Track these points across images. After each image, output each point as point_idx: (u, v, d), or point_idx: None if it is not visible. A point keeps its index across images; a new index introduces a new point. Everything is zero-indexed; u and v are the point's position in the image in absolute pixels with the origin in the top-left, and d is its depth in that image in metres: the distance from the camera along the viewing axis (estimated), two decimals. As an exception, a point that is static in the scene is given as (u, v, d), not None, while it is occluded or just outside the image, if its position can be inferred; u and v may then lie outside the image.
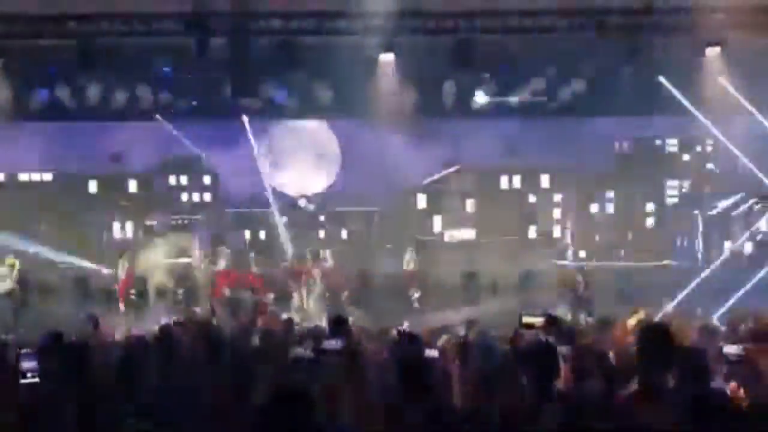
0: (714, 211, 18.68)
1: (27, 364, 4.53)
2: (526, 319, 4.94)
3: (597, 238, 19.39)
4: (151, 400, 4.95)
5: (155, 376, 5.75)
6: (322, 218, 19.39)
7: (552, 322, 4.91)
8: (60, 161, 18.13)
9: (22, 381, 4.40)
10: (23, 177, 18.75)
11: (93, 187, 19.55)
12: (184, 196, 19.52)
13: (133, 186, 19.60)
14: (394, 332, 8.95)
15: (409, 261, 16.95)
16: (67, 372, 5.01)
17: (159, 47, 15.23)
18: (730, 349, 6.06)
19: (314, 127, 19.29)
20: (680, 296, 15.63)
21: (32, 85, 16.31)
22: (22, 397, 4.40)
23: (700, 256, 18.70)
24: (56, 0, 13.15)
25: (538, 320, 4.89)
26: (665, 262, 18.26)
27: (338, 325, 7.73)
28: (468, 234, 19.62)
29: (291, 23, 14.20)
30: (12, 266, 14.92)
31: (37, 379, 4.53)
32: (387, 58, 14.95)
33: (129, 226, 19.40)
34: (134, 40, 14.54)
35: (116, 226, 19.28)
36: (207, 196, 19.47)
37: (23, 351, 4.74)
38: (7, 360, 6.21)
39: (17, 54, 14.72)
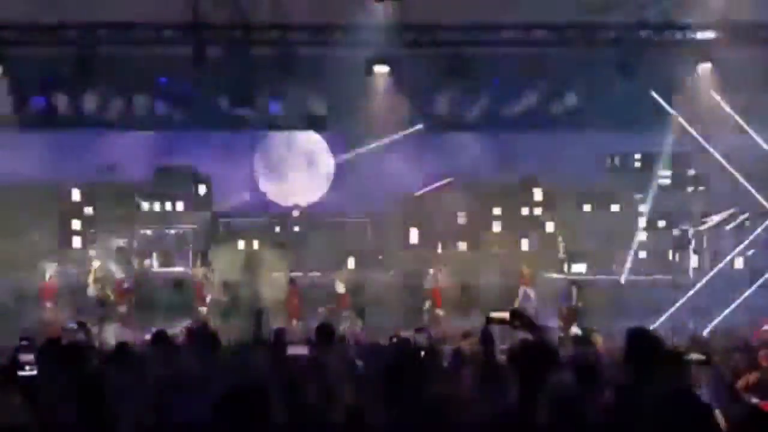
0: (705, 226, 18.77)
1: (24, 357, 4.60)
2: (492, 315, 5.01)
3: (589, 251, 19.43)
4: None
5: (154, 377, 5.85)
6: (313, 229, 19.41)
7: (516, 315, 4.97)
8: (55, 170, 18.12)
9: (20, 373, 4.46)
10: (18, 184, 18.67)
11: (83, 195, 19.49)
12: (179, 206, 19.49)
13: (127, 195, 19.58)
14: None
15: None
16: (65, 372, 5.10)
17: (157, 57, 15.34)
18: (693, 356, 6.22)
19: (308, 137, 19.38)
20: (671, 310, 15.76)
21: (30, 93, 16.43)
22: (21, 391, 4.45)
23: (691, 270, 18.78)
24: (55, 9, 13.24)
25: (503, 314, 4.96)
26: (657, 276, 18.34)
27: (326, 334, 7.83)
28: (460, 246, 19.66)
29: (287, 35, 14.33)
30: (90, 271, 15.90)
31: (34, 372, 4.60)
32: (381, 70, 15.08)
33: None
34: (132, 49, 14.65)
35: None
36: (202, 206, 19.47)
37: (21, 343, 4.81)
38: None
39: (16, 62, 14.81)
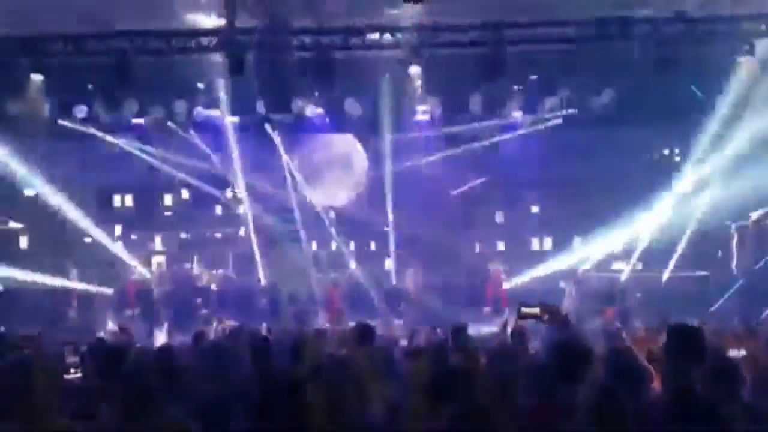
0: (748, 221, 18.44)
1: (71, 359, 4.71)
2: (523, 310, 4.98)
3: (631, 249, 19.18)
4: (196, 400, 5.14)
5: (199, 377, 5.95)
6: (350, 231, 19.46)
7: (547, 310, 4.95)
8: (96, 176, 18.47)
9: (66, 376, 4.56)
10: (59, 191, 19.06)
11: (129, 200, 19.86)
12: (218, 210, 19.76)
13: (168, 199, 19.88)
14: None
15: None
16: (108, 371, 5.21)
17: (194, 63, 15.54)
18: (734, 353, 6.13)
19: (343, 140, 19.46)
20: (714, 307, 15.52)
21: (71, 102, 16.78)
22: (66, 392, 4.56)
23: (734, 266, 18.46)
24: (94, 18, 13.49)
25: (534, 310, 4.93)
26: (700, 272, 18.07)
27: (364, 333, 7.88)
28: (499, 246, 19.59)
29: (322, 39, 14.41)
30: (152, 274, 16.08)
31: (79, 374, 4.71)
32: (416, 70, 15.08)
33: (165, 238, 19.67)
34: (170, 56, 14.86)
35: (156, 239, 19.60)
36: (240, 210, 19.67)
37: (67, 347, 4.92)
38: None
39: (57, 71, 15.13)
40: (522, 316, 4.99)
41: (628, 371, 4.89)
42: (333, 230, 19.26)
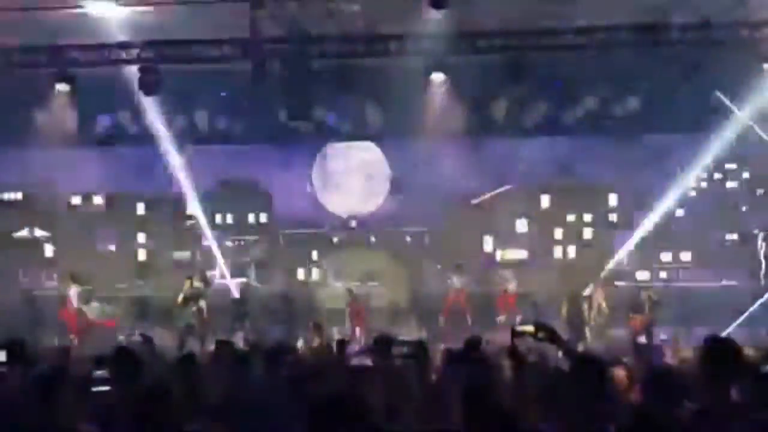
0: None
1: (97, 373, 4.69)
2: (517, 328, 4.85)
3: (655, 257, 18.99)
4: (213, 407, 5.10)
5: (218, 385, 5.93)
6: (372, 239, 19.40)
7: (541, 328, 4.81)
8: (120, 184, 18.60)
9: (93, 389, 4.53)
10: (85, 198, 19.18)
11: (150, 208, 19.91)
12: (240, 218, 19.79)
13: (190, 208, 19.91)
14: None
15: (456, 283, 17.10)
16: (125, 380, 5.19)
17: (217, 72, 15.61)
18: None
19: (365, 148, 19.46)
20: (743, 317, 15.27)
21: (96, 111, 16.91)
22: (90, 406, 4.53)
23: (762, 276, 18.20)
24: (118, 28, 13.59)
25: (529, 328, 4.80)
26: (726, 282, 17.82)
27: (384, 344, 7.81)
28: (520, 254, 19.41)
29: (344, 46, 14.41)
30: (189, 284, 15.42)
31: (106, 387, 4.68)
32: (438, 77, 15.02)
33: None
34: (192, 65, 14.94)
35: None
36: (262, 217, 19.69)
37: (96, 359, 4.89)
38: None
39: (82, 81, 15.25)
40: (516, 335, 4.86)
41: (668, 391, 4.76)
42: (355, 238, 19.25)
